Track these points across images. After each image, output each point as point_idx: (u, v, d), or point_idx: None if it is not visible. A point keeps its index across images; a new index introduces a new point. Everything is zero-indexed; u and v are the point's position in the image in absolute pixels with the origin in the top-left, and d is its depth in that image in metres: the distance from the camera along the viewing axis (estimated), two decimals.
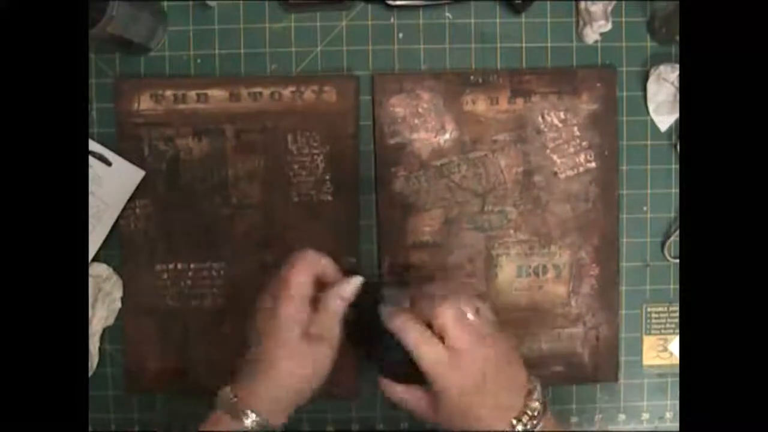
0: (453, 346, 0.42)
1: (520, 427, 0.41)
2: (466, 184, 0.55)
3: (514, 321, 0.55)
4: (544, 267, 0.55)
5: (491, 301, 0.55)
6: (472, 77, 0.54)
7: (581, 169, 0.55)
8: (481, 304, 0.45)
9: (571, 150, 0.55)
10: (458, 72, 0.55)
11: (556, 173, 0.55)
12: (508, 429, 0.41)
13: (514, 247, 0.55)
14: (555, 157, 0.55)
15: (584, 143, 0.55)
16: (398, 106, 0.54)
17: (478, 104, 0.54)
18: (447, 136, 0.55)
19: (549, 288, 0.55)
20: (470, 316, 0.43)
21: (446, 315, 0.42)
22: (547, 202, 0.55)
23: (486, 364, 0.42)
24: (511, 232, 0.55)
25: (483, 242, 0.55)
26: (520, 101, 0.54)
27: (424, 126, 0.54)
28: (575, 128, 0.55)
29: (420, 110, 0.54)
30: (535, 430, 0.41)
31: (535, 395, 0.42)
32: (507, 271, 0.55)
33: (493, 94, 0.54)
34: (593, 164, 0.55)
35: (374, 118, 0.54)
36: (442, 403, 0.42)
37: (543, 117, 0.55)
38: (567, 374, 0.56)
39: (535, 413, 0.41)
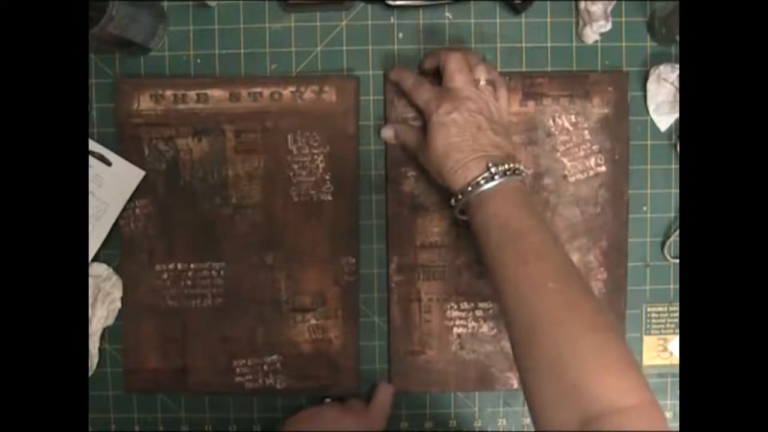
0: (447, 84, 0.47)
1: (494, 170, 0.44)
2: None
3: None
4: None
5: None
6: None
7: (591, 172, 0.55)
8: (490, 76, 0.48)
9: (582, 153, 0.55)
10: None
11: (565, 176, 0.55)
12: (483, 171, 0.44)
13: None
14: (565, 160, 0.55)
15: (595, 147, 0.55)
16: (410, 106, 0.54)
17: None
18: None
19: None
20: (479, 76, 0.48)
21: (452, 57, 0.47)
22: (556, 205, 0.55)
23: (479, 109, 0.46)
24: None
25: None
26: (531, 104, 0.54)
27: None
28: (586, 132, 0.55)
29: None
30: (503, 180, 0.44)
31: (513, 165, 0.45)
32: None
33: None
34: (603, 168, 0.55)
35: (385, 118, 0.54)
36: (430, 140, 0.47)
37: (554, 120, 0.54)
38: None
39: (509, 166, 0.44)
